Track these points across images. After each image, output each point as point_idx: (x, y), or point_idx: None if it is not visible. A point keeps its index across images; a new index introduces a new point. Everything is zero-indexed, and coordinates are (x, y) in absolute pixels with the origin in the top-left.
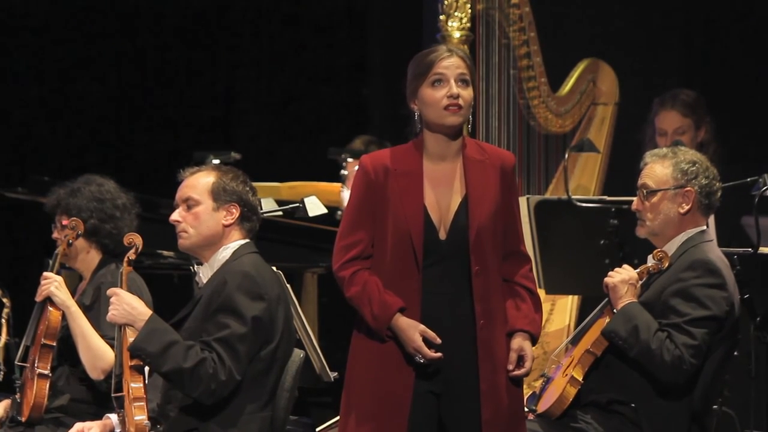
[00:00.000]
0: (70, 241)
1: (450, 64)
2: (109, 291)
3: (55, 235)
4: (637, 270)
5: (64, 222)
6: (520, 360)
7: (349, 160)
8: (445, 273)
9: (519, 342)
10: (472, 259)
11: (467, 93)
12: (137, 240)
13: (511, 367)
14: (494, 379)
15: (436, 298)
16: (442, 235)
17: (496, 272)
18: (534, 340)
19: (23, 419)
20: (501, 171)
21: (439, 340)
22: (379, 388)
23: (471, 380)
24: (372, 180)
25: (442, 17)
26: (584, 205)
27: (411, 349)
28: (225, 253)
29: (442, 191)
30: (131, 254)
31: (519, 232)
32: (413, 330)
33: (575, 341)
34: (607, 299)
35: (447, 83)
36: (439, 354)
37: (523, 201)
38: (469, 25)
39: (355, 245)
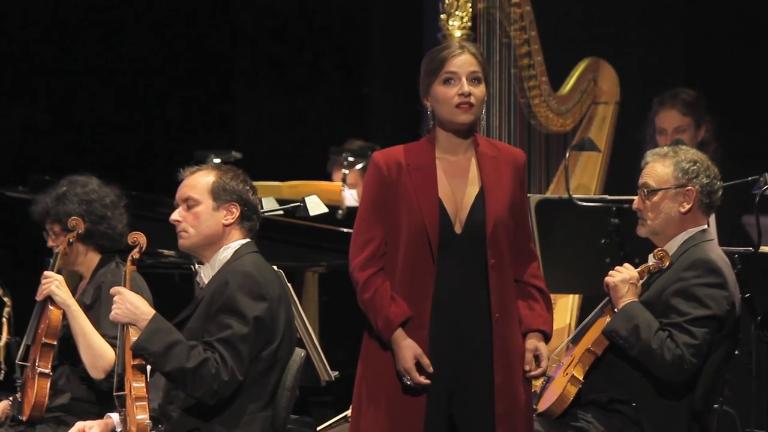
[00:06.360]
0: (71, 240)
1: (462, 62)
2: (113, 290)
3: (50, 243)
4: (638, 269)
5: (57, 230)
6: (536, 360)
7: (351, 159)
8: (459, 266)
9: (534, 342)
10: (488, 251)
11: (479, 91)
12: (141, 239)
13: (528, 367)
14: (509, 372)
15: (450, 292)
16: (458, 229)
17: (509, 266)
18: (547, 339)
19: (24, 418)
20: (513, 167)
21: (431, 369)
22: (396, 383)
23: (484, 375)
24: (385, 176)
25: (442, 16)
26: (585, 204)
27: (401, 368)
28: (226, 252)
29: (457, 184)
30: (135, 253)
31: (529, 228)
32: (409, 351)
33: (576, 340)
34: (607, 298)
35: (459, 81)
36: (427, 381)
37: None
38: (469, 24)
39: (371, 241)
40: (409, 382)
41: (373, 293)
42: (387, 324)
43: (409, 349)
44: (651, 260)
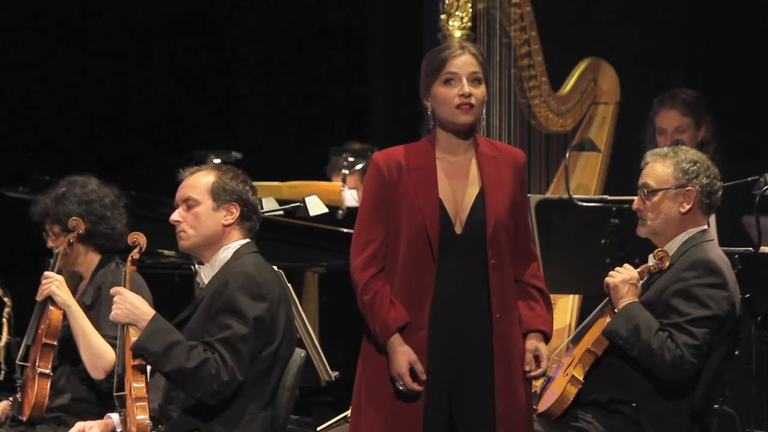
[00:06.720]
0: (71, 240)
1: (462, 62)
2: (113, 290)
3: (50, 243)
4: (638, 269)
5: (56, 230)
6: (537, 360)
7: (350, 159)
8: (460, 267)
9: (534, 343)
10: (489, 252)
11: (479, 91)
12: (141, 239)
13: (528, 368)
14: (509, 373)
15: (450, 292)
16: (458, 229)
17: (510, 266)
18: (547, 340)
19: (24, 418)
20: (514, 167)
21: (424, 377)
22: (393, 383)
23: (484, 375)
24: (385, 176)
25: (443, 16)
26: (585, 204)
27: (395, 372)
28: (226, 253)
29: (458, 184)
30: (135, 253)
31: (529, 228)
32: (404, 357)
33: (576, 340)
34: (608, 299)
35: (459, 82)
36: (420, 387)
37: None
38: (470, 24)
39: (372, 242)
40: (402, 388)
41: (373, 296)
42: (384, 329)
43: (404, 355)
44: (651, 261)
